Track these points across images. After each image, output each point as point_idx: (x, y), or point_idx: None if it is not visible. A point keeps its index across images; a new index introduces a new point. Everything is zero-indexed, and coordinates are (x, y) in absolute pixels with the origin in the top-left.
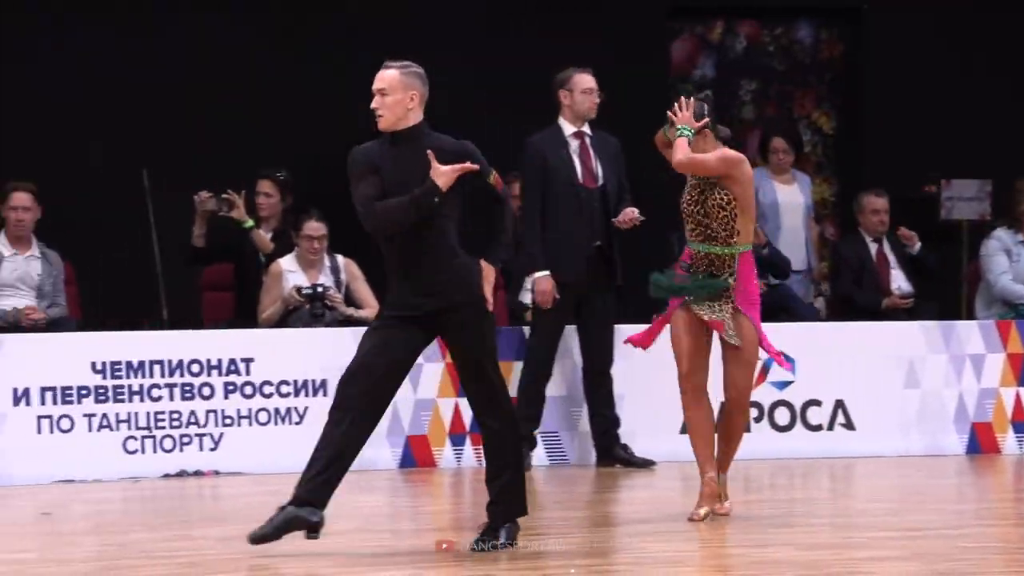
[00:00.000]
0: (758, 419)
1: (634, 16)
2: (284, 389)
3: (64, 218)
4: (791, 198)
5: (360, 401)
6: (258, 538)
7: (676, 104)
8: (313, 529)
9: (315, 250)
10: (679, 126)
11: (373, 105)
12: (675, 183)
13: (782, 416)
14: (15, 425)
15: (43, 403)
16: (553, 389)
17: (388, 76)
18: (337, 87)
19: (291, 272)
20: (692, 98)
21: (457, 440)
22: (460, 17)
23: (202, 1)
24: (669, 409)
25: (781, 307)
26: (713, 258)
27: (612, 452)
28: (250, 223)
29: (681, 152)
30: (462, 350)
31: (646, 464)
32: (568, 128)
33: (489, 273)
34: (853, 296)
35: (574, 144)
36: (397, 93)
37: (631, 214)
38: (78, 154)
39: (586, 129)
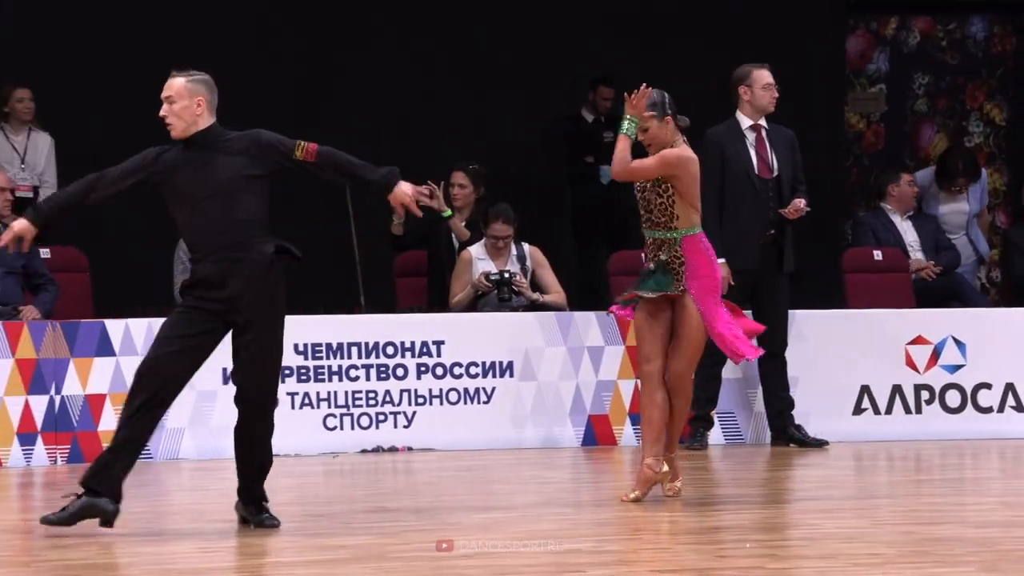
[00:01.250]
0: (929, 401)
1: (811, 13)
2: (473, 370)
3: (272, 210)
4: (956, 207)
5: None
6: (52, 522)
7: (632, 93)
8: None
9: (500, 249)
10: (627, 117)
11: (162, 113)
12: (852, 172)
13: (953, 399)
14: (225, 402)
15: None
16: (729, 371)
17: (175, 84)
18: (528, 81)
19: (480, 259)
20: (648, 87)
21: (636, 419)
22: (647, 17)
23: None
24: (842, 391)
25: (952, 294)
26: (660, 243)
27: (786, 432)
28: (448, 212)
29: (618, 162)
30: None
31: (819, 444)
32: (745, 121)
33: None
34: None
35: (751, 136)
36: (184, 100)
37: (798, 205)
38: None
39: (762, 122)
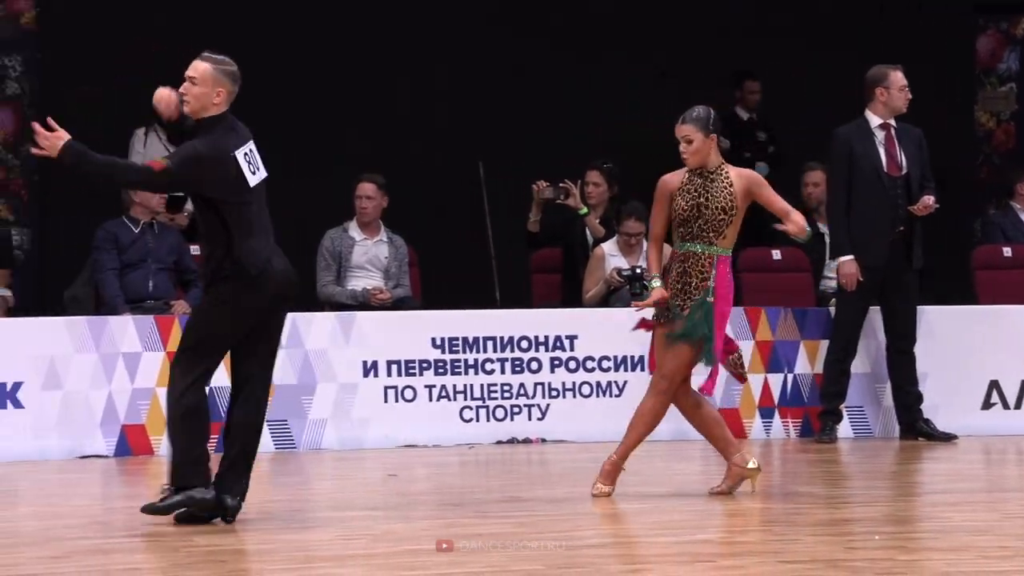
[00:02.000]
0: None
1: (941, 13)
2: (605, 364)
3: (408, 207)
4: None
5: None
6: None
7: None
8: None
9: (632, 245)
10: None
11: (181, 89)
12: (982, 170)
13: None
14: (365, 395)
15: (389, 375)
16: (858, 366)
17: (200, 68)
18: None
19: (612, 256)
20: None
21: (766, 413)
22: (787, 18)
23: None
24: (970, 385)
25: None
26: (689, 256)
27: (915, 426)
28: (585, 210)
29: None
30: None
31: (948, 438)
32: (875, 120)
33: None
34: None
35: (880, 135)
36: (205, 86)
37: (927, 202)
38: (422, 149)
39: (892, 121)
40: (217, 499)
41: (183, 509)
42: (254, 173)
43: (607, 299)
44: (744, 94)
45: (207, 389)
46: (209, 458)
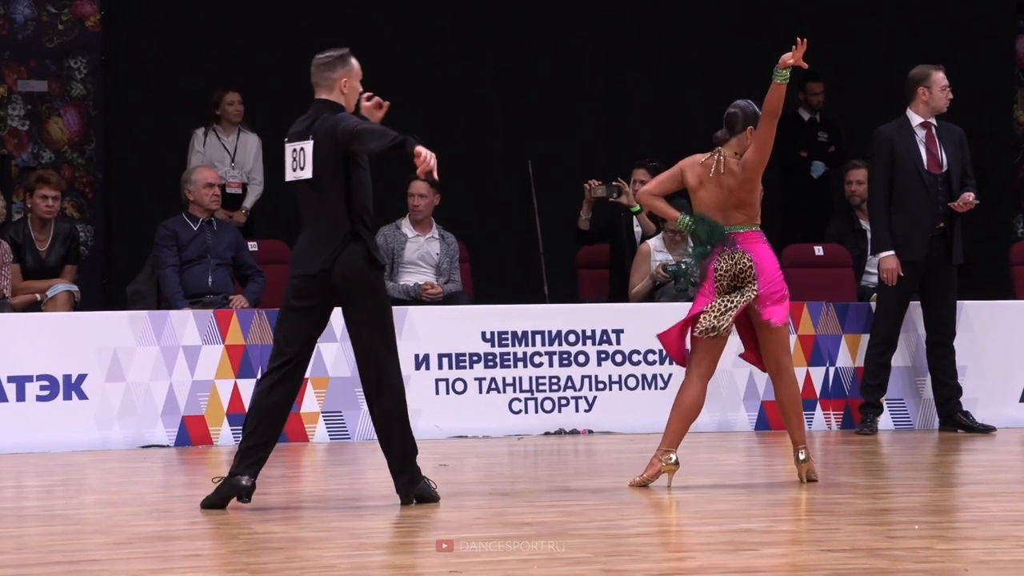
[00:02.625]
0: None
1: (982, 14)
2: (651, 357)
3: (460, 204)
4: None
5: None
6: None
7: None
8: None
9: (677, 241)
10: (787, 69)
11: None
12: (1021, 168)
13: None
14: (417, 386)
15: (440, 367)
16: (898, 359)
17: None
18: (701, 85)
19: (658, 252)
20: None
21: (808, 405)
22: (839, 20)
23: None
24: (1009, 379)
25: None
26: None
27: (954, 418)
28: (638, 207)
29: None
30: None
31: (987, 430)
32: (916, 119)
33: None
34: None
35: (921, 133)
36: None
37: (967, 198)
38: (474, 148)
39: (932, 120)
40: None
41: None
42: (294, 171)
43: (652, 294)
44: (807, 95)
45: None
46: None
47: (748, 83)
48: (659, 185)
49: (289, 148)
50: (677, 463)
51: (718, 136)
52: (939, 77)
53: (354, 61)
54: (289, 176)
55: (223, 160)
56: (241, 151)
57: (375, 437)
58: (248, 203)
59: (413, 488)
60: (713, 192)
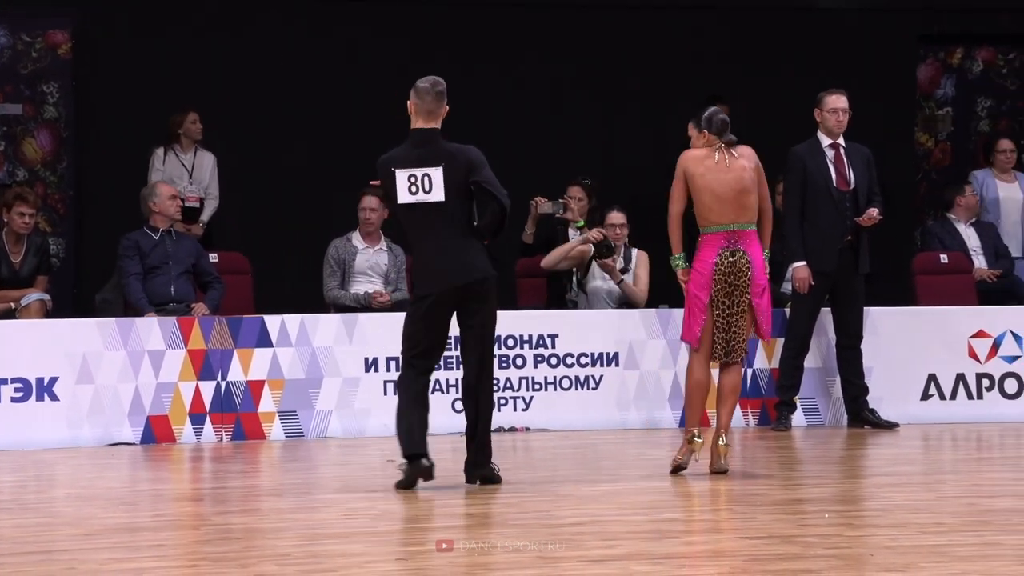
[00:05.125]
0: (989, 388)
1: (887, 44)
2: (583, 360)
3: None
4: (1011, 194)
5: None
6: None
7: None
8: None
9: (618, 235)
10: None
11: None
12: (921, 185)
13: (1011, 386)
14: (366, 388)
15: (388, 370)
16: (811, 361)
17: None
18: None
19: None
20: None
21: None
22: (751, 46)
23: (520, 38)
24: (911, 379)
25: (1010, 294)
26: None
27: (861, 415)
28: (581, 222)
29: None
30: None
31: (890, 426)
32: (825, 140)
33: None
34: None
35: (830, 153)
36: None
37: (871, 214)
38: None
39: (841, 140)
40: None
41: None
42: (413, 193)
43: (571, 273)
44: None
45: None
46: None
47: (681, 102)
48: (680, 201)
49: (403, 174)
50: (702, 440)
51: (731, 138)
52: (830, 100)
53: None
54: (405, 199)
55: (181, 176)
56: (198, 168)
57: (328, 435)
58: (205, 216)
59: (479, 471)
60: (722, 180)
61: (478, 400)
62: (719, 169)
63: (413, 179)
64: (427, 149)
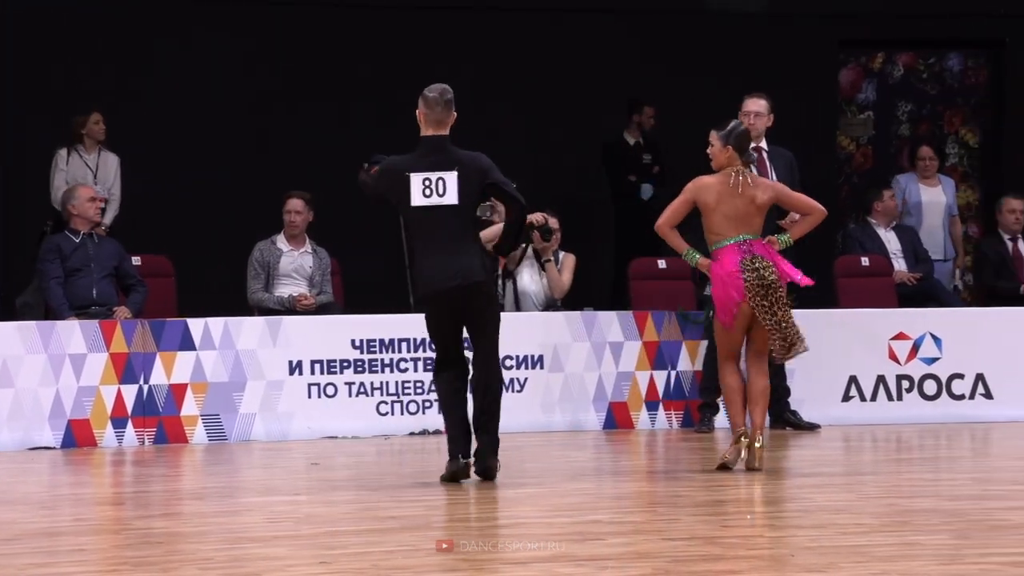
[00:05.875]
0: (909, 389)
1: (810, 49)
2: (508, 363)
3: (332, 221)
4: (934, 198)
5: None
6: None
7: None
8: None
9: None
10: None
11: None
12: (843, 189)
13: (930, 387)
14: (290, 391)
15: (312, 373)
16: None
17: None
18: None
19: (527, 268)
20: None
21: (652, 406)
22: (675, 50)
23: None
24: (832, 380)
25: (929, 296)
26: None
27: (783, 417)
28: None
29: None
30: None
31: (812, 427)
32: None
33: None
34: (995, 285)
35: (753, 157)
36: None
37: (794, 217)
38: (346, 168)
39: (763, 144)
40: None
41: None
42: (428, 196)
43: (509, 271)
44: (642, 119)
45: None
46: None
47: (603, 106)
48: (674, 215)
49: (419, 177)
50: (748, 437)
51: (751, 156)
52: (745, 104)
53: None
54: (420, 201)
55: (86, 178)
56: (103, 169)
57: (251, 438)
58: (107, 219)
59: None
60: (735, 205)
61: (484, 396)
62: (732, 193)
63: (428, 182)
64: (440, 156)
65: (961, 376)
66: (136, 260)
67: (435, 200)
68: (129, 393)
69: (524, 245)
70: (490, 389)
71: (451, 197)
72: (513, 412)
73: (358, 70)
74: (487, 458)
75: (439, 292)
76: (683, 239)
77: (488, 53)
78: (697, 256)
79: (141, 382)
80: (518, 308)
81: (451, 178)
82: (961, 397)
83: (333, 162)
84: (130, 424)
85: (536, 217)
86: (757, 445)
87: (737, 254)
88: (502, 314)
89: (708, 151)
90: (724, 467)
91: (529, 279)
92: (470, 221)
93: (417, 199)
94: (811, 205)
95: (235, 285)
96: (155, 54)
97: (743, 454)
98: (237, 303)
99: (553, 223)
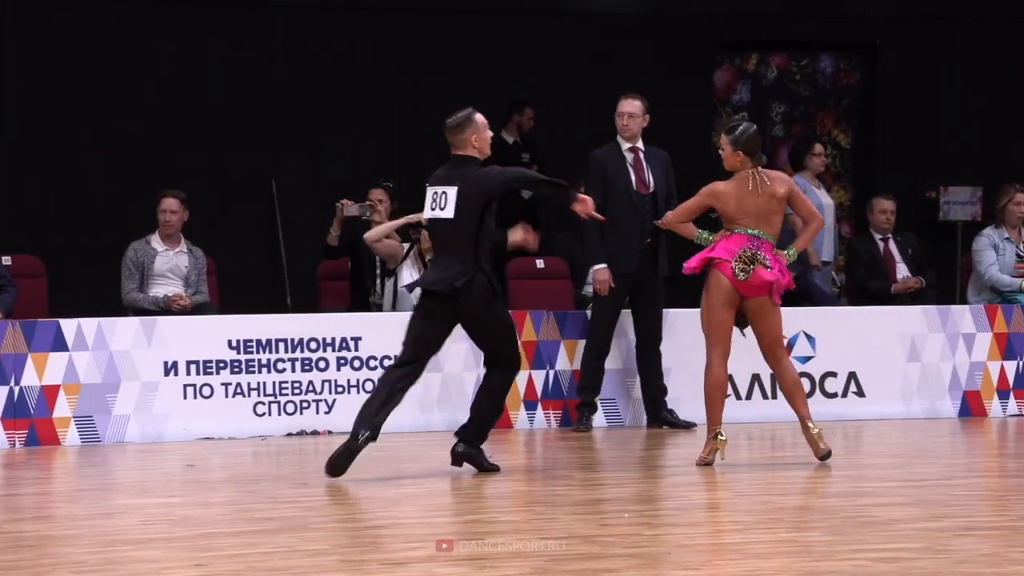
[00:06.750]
0: None
1: (685, 50)
2: (387, 363)
3: (208, 220)
4: (826, 199)
5: None
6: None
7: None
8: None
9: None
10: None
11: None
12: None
13: (804, 386)
14: (166, 392)
15: (188, 374)
16: (611, 363)
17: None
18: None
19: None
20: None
21: (530, 406)
22: (556, 52)
23: (321, 30)
24: None
25: (804, 295)
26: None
27: (660, 416)
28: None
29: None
30: None
31: (688, 426)
32: (624, 144)
33: None
34: (866, 285)
35: (629, 157)
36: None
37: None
38: (221, 167)
39: (640, 144)
40: None
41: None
42: (432, 209)
43: (391, 271)
44: (522, 119)
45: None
46: None
47: (481, 105)
48: (685, 214)
49: (431, 191)
50: (725, 438)
51: (762, 159)
52: (619, 104)
53: (478, 117)
54: (428, 215)
55: None
56: None
57: (126, 439)
58: None
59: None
60: (756, 203)
61: (490, 387)
62: (750, 195)
63: (436, 196)
64: (448, 170)
65: (834, 374)
66: (6, 260)
67: (437, 214)
68: (0, 395)
69: (408, 244)
70: (480, 400)
71: (449, 211)
72: (392, 412)
73: (231, 67)
74: (471, 444)
75: (430, 296)
76: (693, 225)
77: (369, 53)
78: (706, 236)
79: (12, 383)
80: (394, 307)
81: (452, 193)
82: (834, 395)
83: (208, 160)
84: (0, 426)
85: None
86: (815, 432)
87: (744, 241)
88: (383, 314)
89: (720, 153)
90: (706, 464)
91: (409, 278)
92: (468, 235)
93: (427, 212)
94: (812, 212)
95: (109, 285)
96: (20, 48)
97: (722, 453)
98: (111, 303)
99: None
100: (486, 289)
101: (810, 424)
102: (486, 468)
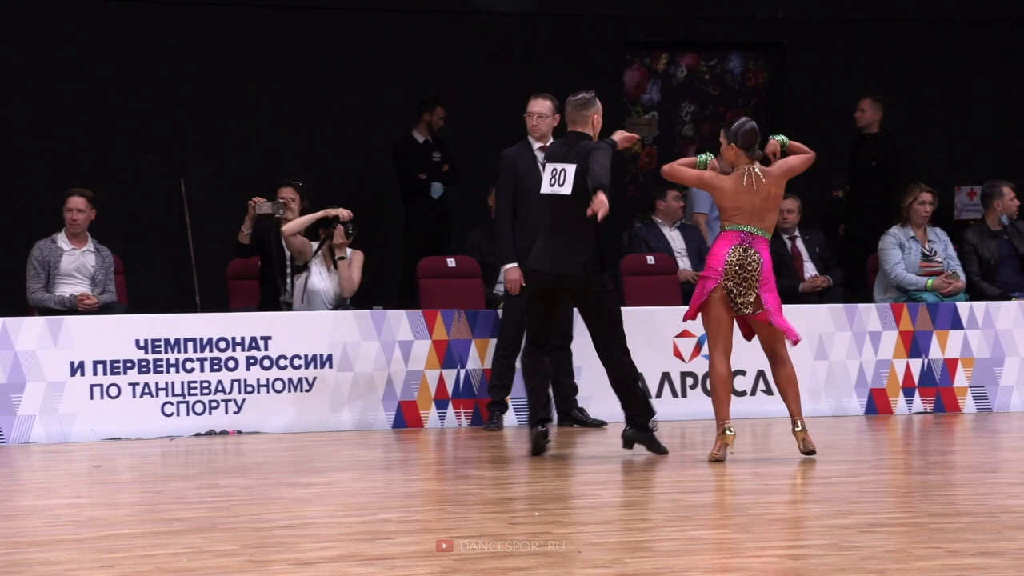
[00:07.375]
0: (693, 386)
1: (595, 49)
2: (296, 362)
3: (115, 219)
4: None
5: None
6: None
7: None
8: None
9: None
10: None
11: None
12: (629, 188)
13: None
14: (72, 392)
15: (95, 374)
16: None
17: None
18: (364, 107)
19: (316, 266)
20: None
21: (441, 404)
22: (467, 49)
23: (226, 27)
24: None
25: None
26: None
27: (571, 414)
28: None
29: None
30: None
31: (599, 424)
32: (535, 143)
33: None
34: None
35: (540, 156)
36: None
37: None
38: (128, 166)
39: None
40: None
41: None
42: (551, 185)
43: (300, 267)
44: (432, 118)
45: None
46: None
47: (392, 104)
48: (683, 166)
49: (549, 167)
50: (734, 432)
51: (759, 153)
52: (531, 105)
53: (598, 101)
54: (546, 189)
55: None
56: None
57: (31, 440)
58: None
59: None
60: (751, 201)
61: (612, 371)
62: (746, 191)
63: (555, 172)
64: (567, 148)
65: (743, 373)
66: None
67: (555, 190)
68: None
69: (320, 241)
70: (614, 378)
71: (568, 188)
72: (301, 412)
73: (138, 65)
74: (633, 423)
75: (543, 275)
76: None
77: (278, 51)
78: (705, 158)
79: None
80: (305, 305)
81: (571, 170)
82: (743, 393)
83: (116, 159)
84: None
85: (343, 212)
86: (797, 429)
87: (733, 240)
88: (292, 313)
89: (721, 150)
90: (717, 460)
91: (319, 277)
92: (583, 211)
93: (544, 188)
94: (807, 150)
95: (14, 284)
96: None
97: (731, 448)
98: (16, 303)
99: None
100: (599, 265)
101: (798, 421)
102: (657, 450)
